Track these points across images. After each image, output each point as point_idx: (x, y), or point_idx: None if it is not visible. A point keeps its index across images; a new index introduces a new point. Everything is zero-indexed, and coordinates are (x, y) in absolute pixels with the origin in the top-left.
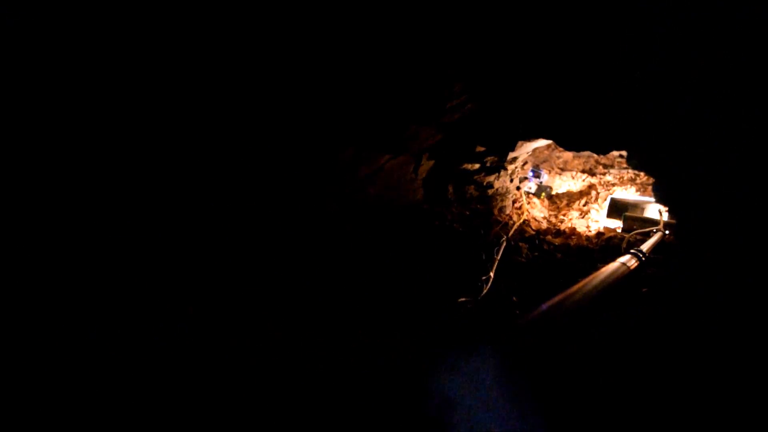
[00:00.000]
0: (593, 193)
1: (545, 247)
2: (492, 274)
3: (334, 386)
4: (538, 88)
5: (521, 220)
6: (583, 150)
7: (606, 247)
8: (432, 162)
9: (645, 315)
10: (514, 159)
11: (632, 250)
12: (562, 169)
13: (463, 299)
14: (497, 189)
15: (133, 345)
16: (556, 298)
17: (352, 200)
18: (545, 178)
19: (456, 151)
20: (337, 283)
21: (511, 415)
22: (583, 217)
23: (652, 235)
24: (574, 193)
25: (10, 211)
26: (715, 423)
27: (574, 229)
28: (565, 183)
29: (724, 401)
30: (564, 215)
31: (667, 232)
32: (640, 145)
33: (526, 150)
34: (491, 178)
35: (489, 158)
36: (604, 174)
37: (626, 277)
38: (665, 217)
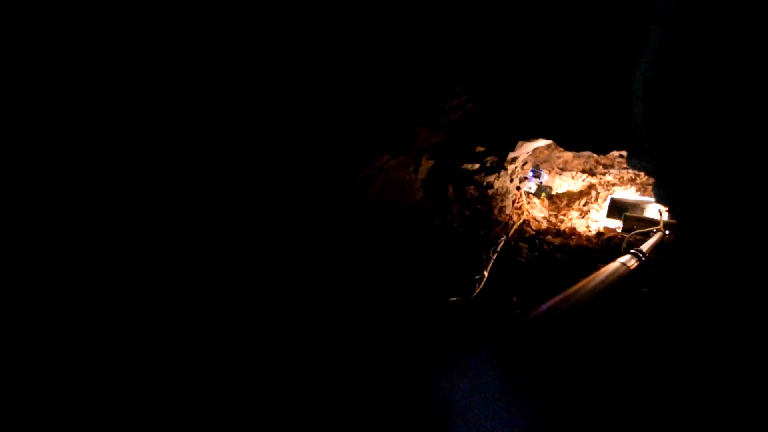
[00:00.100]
0: (593, 193)
1: (545, 247)
2: (486, 273)
3: (334, 387)
4: (538, 88)
5: (521, 220)
6: (583, 150)
7: (606, 247)
8: (432, 162)
9: (646, 315)
10: (514, 159)
11: (632, 250)
12: (562, 169)
13: (462, 299)
14: (497, 189)
15: (133, 345)
16: (556, 299)
17: (352, 200)
18: (545, 178)
19: (456, 151)
20: (338, 284)
21: (511, 414)
22: (583, 217)
23: (652, 235)
24: (574, 193)
25: (10, 212)
26: (715, 422)
27: (574, 229)
28: (565, 183)
29: (724, 401)
30: (564, 215)
31: (667, 232)
32: (640, 146)
33: (526, 150)
34: (491, 178)
35: (489, 158)
36: (604, 174)
37: (626, 277)
38: (665, 217)
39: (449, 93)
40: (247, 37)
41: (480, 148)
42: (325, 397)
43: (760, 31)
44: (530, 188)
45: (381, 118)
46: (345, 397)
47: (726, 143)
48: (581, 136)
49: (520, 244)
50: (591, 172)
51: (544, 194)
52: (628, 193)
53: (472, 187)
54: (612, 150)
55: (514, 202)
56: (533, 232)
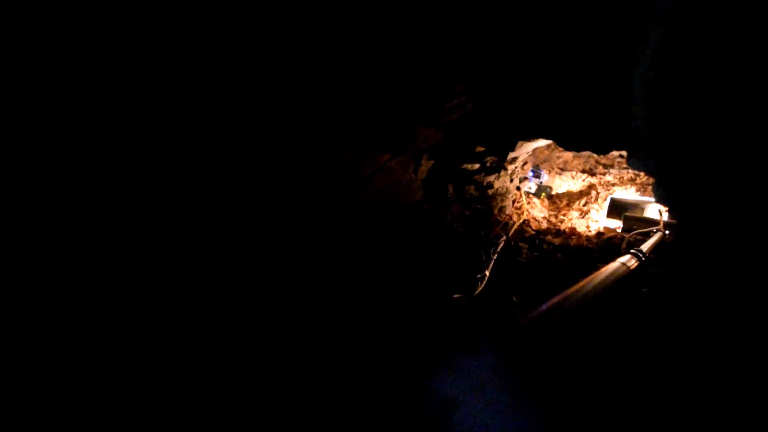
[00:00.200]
0: (593, 193)
1: (545, 247)
2: (487, 273)
3: (334, 387)
4: (538, 88)
5: (521, 220)
6: (583, 150)
7: (606, 247)
8: (432, 162)
9: (646, 315)
10: (514, 159)
11: (632, 250)
12: (562, 169)
13: (465, 296)
14: (497, 189)
15: (133, 345)
16: (556, 299)
17: (352, 200)
18: (545, 178)
19: (456, 151)
20: (338, 284)
21: (511, 414)
22: (583, 217)
23: (652, 235)
24: (574, 193)
25: (10, 212)
26: (715, 422)
27: (574, 229)
28: (565, 183)
29: (724, 400)
30: (564, 215)
31: (667, 232)
32: (640, 146)
33: (526, 150)
34: (491, 178)
35: (489, 158)
36: (604, 174)
37: (626, 277)
38: (665, 217)
39: (449, 93)
40: (247, 37)
41: (480, 148)
42: (326, 397)
43: (760, 31)
44: (530, 188)
45: (381, 118)
46: (345, 397)
47: (726, 143)
48: (581, 136)
49: (520, 244)
50: (591, 172)
51: (544, 194)
52: (628, 193)
53: (472, 187)
54: (612, 150)
55: (514, 202)
56: (533, 232)
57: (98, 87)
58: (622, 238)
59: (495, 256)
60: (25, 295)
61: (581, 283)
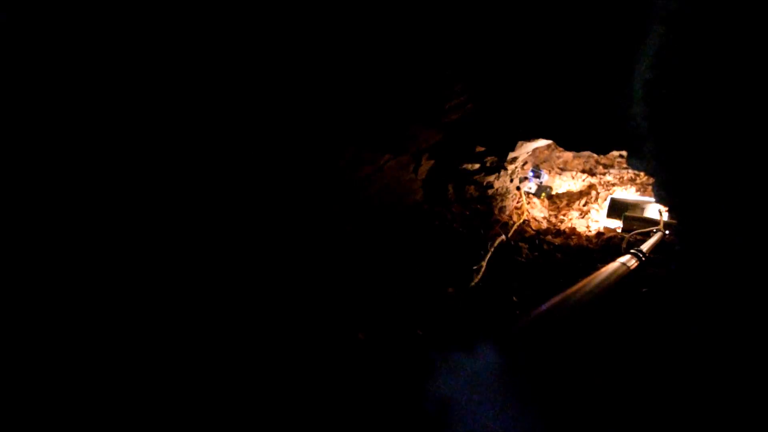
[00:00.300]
0: (593, 193)
1: (545, 247)
2: (484, 264)
3: (334, 387)
4: (538, 88)
5: (521, 220)
6: (583, 150)
7: (606, 247)
8: (432, 162)
9: (646, 315)
10: (514, 159)
11: (632, 250)
12: (562, 169)
13: (463, 298)
14: (497, 189)
15: (132, 345)
16: (556, 299)
17: (352, 200)
18: (545, 178)
19: (456, 151)
20: (338, 284)
21: (510, 415)
22: (583, 217)
23: (652, 235)
24: (574, 193)
25: (10, 212)
26: (715, 423)
27: (574, 229)
28: (565, 183)
29: (725, 401)
30: (564, 215)
31: (667, 232)
32: (640, 146)
33: (526, 150)
34: (491, 178)
35: (489, 158)
36: (604, 174)
37: (626, 277)
38: (665, 217)
39: (449, 93)
40: (247, 37)
41: (480, 148)
42: (326, 397)
43: (761, 32)
44: (530, 188)
45: (381, 118)
46: (345, 397)
47: (726, 143)
48: (581, 136)
49: (520, 243)
50: (591, 172)
51: (544, 194)
52: (628, 193)
53: (472, 187)
54: (612, 150)
55: (514, 202)
56: (533, 232)
57: (98, 87)
58: (622, 238)
59: (492, 249)
60: (24, 295)
61: (581, 283)
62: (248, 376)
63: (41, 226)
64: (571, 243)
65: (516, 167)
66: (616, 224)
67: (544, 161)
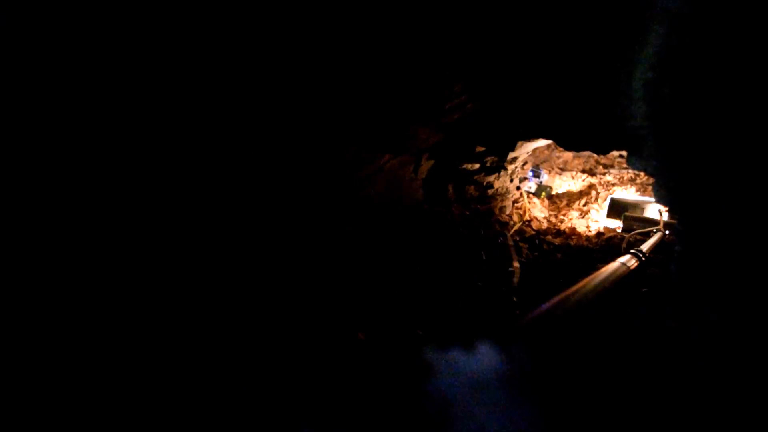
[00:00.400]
0: (593, 193)
1: (545, 247)
2: (516, 264)
3: (334, 387)
4: (538, 88)
5: (523, 221)
6: (583, 150)
7: (606, 247)
8: (432, 162)
9: (648, 315)
10: (514, 159)
11: (632, 250)
12: (562, 169)
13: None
14: (497, 189)
15: (132, 344)
16: (556, 298)
17: (352, 201)
18: (545, 178)
19: (456, 151)
20: (338, 284)
21: (510, 414)
22: (583, 217)
23: (652, 235)
24: (574, 193)
25: (9, 212)
26: (716, 423)
27: (574, 229)
28: (565, 183)
29: (725, 401)
30: (564, 215)
31: (667, 232)
32: (640, 146)
33: (526, 150)
34: (491, 178)
35: (489, 158)
36: (604, 174)
37: (626, 277)
38: (665, 217)
39: (449, 93)
40: (247, 36)
41: (480, 148)
42: (326, 397)
43: (762, 32)
44: (530, 188)
45: (381, 118)
46: (345, 397)
47: (727, 143)
48: (581, 136)
49: (521, 244)
50: (591, 172)
51: (544, 194)
52: (628, 193)
53: (472, 187)
54: (612, 150)
55: (514, 202)
56: (533, 232)
57: (98, 87)
58: (622, 238)
59: (514, 243)
60: (24, 295)
61: (581, 283)
62: (249, 375)
63: (41, 226)
64: (571, 243)
65: (516, 167)
66: (616, 224)
67: (544, 161)
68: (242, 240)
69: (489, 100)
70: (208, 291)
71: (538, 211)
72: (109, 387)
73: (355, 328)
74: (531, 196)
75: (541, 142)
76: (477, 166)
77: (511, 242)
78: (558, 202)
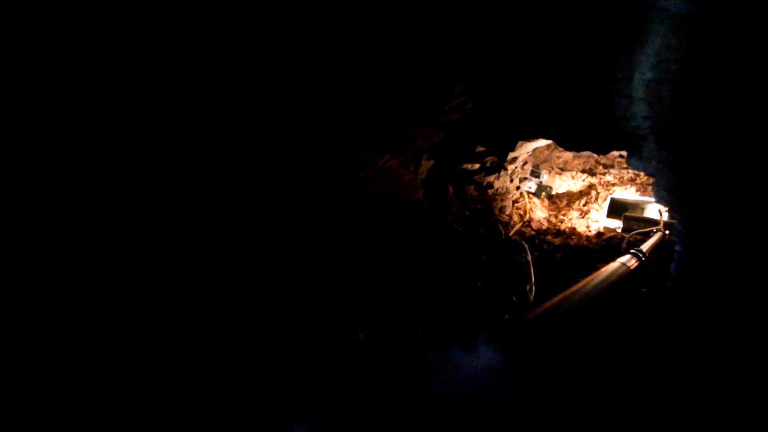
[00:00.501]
0: (593, 193)
1: (545, 247)
2: (532, 277)
3: (334, 387)
4: (538, 89)
5: (524, 221)
6: (583, 150)
7: (606, 247)
8: (432, 162)
9: (648, 315)
10: (514, 159)
11: (632, 250)
12: (562, 169)
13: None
14: (497, 189)
15: (131, 345)
16: (556, 298)
17: (352, 200)
18: (545, 178)
19: (456, 151)
20: (338, 284)
21: (510, 414)
22: (583, 217)
23: (652, 235)
24: (574, 193)
25: (10, 212)
26: (716, 423)
27: (574, 229)
28: (565, 183)
29: (726, 402)
30: (564, 215)
31: (667, 232)
32: (640, 146)
33: (526, 150)
34: (491, 178)
35: (489, 158)
36: (604, 174)
37: (626, 277)
38: (665, 217)
39: (449, 93)
40: (247, 36)
41: (480, 148)
42: (325, 397)
43: (762, 32)
44: (530, 188)
45: (381, 118)
46: (345, 397)
47: (727, 143)
48: (581, 136)
49: (521, 243)
50: (591, 172)
51: (544, 194)
52: (628, 193)
53: (472, 187)
54: (612, 150)
55: (514, 202)
56: (533, 232)
57: (98, 87)
58: (622, 238)
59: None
60: (23, 295)
61: (581, 283)
62: (248, 375)
63: (41, 226)
64: (571, 243)
65: (516, 167)
66: (616, 224)
67: (544, 161)
68: (243, 240)
69: (489, 100)
70: (208, 290)
71: (539, 211)
72: (105, 385)
73: (355, 328)
74: (531, 196)
75: (541, 142)
76: (477, 166)
77: (529, 256)
78: (558, 202)
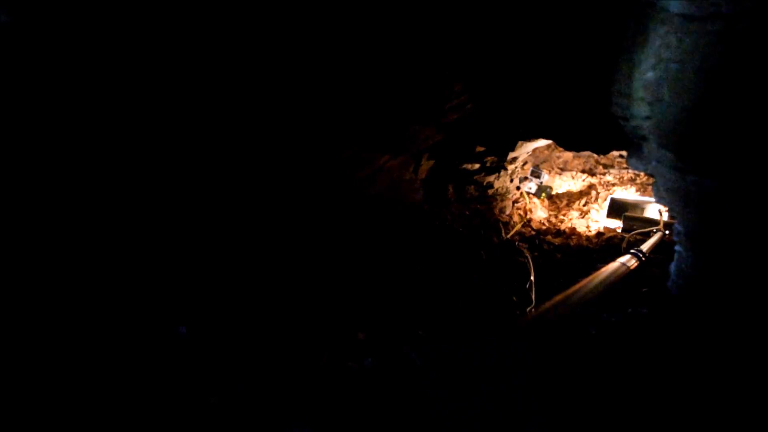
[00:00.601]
0: (593, 193)
1: (545, 247)
2: (532, 278)
3: (333, 388)
4: (538, 89)
5: (523, 221)
6: (583, 150)
7: (606, 247)
8: (432, 162)
9: (648, 315)
10: (514, 159)
11: (632, 250)
12: (562, 169)
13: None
14: (497, 189)
15: (131, 348)
16: (556, 298)
17: (351, 201)
18: (545, 178)
19: (456, 151)
20: (338, 284)
21: (510, 414)
22: (583, 217)
23: (652, 235)
24: (574, 193)
25: (9, 212)
26: (717, 424)
27: (574, 229)
28: (565, 183)
29: (726, 402)
30: (564, 215)
31: (667, 232)
32: (640, 146)
33: (526, 150)
34: (491, 178)
35: (489, 158)
36: (604, 174)
37: (626, 277)
38: (665, 217)
39: (449, 93)
40: (246, 36)
41: (480, 148)
42: (324, 397)
43: (762, 32)
44: (530, 188)
45: (381, 118)
46: (344, 397)
47: (728, 143)
48: (581, 136)
49: (520, 244)
50: (591, 172)
51: (544, 194)
52: (628, 193)
53: (472, 187)
54: (612, 150)
55: (514, 202)
56: (533, 232)
57: (98, 87)
58: (622, 238)
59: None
60: (23, 297)
61: (581, 283)
62: (248, 375)
63: (42, 226)
64: (571, 243)
65: (516, 167)
66: (616, 224)
67: (544, 161)
68: (242, 240)
69: (489, 100)
70: (208, 290)
71: (539, 211)
72: (101, 385)
73: (355, 328)
74: (531, 196)
75: (541, 142)
76: (477, 166)
77: (528, 255)
78: (558, 202)
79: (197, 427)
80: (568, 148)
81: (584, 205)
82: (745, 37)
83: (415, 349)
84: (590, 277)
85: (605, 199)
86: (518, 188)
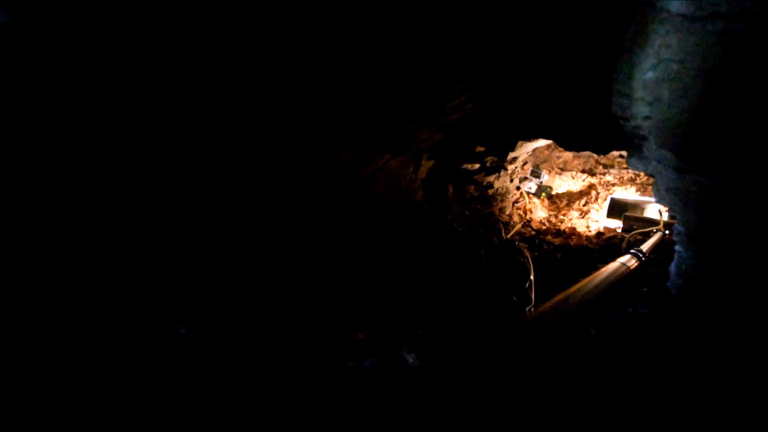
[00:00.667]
0: (593, 193)
1: (545, 247)
2: (532, 277)
3: (332, 388)
4: (538, 89)
5: (523, 221)
6: (583, 150)
7: (606, 247)
8: (432, 162)
9: (648, 315)
10: (514, 159)
11: (632, 250)
12: (562, 169)
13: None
14: (497, 189)
15: (130, 348)
16: (556, 298)
17: (351, 201)
18: (545, 178)
19: (456, 151)
20: (338, 284)
21: (510, 414)
22: (583, 217)
23: (652, 235)
24: (574, 193)
25: (9, 212)
26: (717, 424)
27: (574, 229)
28: (565, 183)
29: (726, 402)
30: (564, 215)
31: (667, 232)
32: (640, 146)
33: (526, 150)
34: (491, 178)
35: (489, 158)
36: (604, 174)
37: (626, 277)
38: (665, 217)
39: (449, 93)
40: (245, 36)
41: (480, 148)
42: (323, 399)
43: (763, 31)
44: (530, 188)
45: (381, 118)
46: (343, 398)
47: (728, 143)
48: (581, 136)
49: (520, 244)
50: (591, 172)
51: (544, 194)
52: (628, 193)
53: (472, 187)
54: (612, 150)
55: (514, 202)
56: (533, 232)
57: (98, 87)
58: (622, 238)
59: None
60: (22, 298)
61: (581, 283)
62: (247, 375)
63: (41, 226)
64: (571, 243)
65: (516, 167)
66: (616, 224)
67: (544, 161)
68: (241, 240)
69: (489, 100)
70: (207, 290)
71: (539, 211)
72: (98, 386)
73: (354, 329)
74: (531, 196)
75: (541, 142)
76: (477, 166)
77: (528, 255)
78: (558, 202)
79: (195, 426)
80: (568, 148)
81: (584, 205)
82: (744, 38)
83: (415, 349)
84: (590, 277)
85: (605, 199)
86: (518, 188)
